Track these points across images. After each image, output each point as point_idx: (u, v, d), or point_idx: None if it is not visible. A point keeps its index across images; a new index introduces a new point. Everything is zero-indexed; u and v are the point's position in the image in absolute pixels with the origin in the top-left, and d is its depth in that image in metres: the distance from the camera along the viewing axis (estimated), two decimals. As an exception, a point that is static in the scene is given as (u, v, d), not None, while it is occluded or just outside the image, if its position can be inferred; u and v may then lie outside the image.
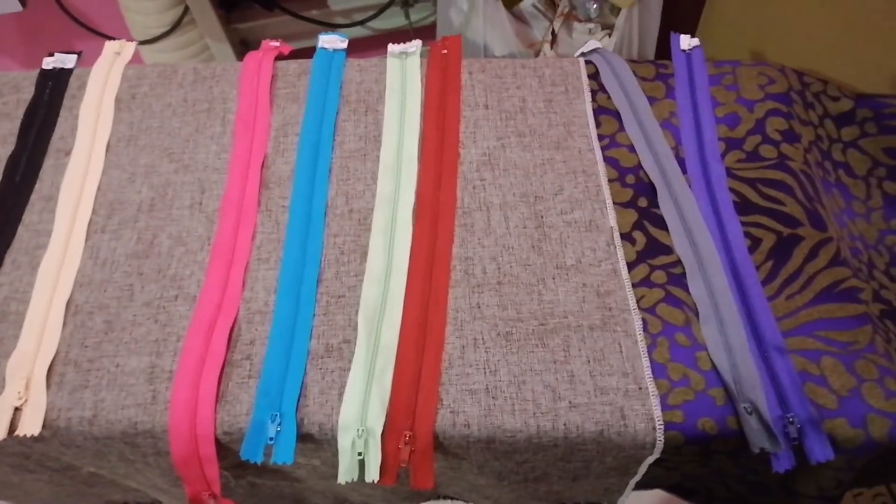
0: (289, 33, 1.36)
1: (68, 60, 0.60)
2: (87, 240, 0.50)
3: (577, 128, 0.54)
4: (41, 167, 0.53)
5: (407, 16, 1.35)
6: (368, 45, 1.48)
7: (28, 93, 0.58)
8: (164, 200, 0.51)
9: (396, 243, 0.48)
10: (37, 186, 0.53)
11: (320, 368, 0.43)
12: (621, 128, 0.54)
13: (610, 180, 0.51)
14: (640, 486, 0.48)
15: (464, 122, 0.54)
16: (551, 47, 1.14)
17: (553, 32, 1.10)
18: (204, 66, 0.58)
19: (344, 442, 0.41)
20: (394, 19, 1.36)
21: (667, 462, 0.43)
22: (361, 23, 1.30)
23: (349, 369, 0.43)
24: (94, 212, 0.51)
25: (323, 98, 0.56)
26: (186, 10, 1.26)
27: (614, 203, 0.50)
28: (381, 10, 1.27)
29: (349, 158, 0.53)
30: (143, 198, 0.51)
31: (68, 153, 0.54)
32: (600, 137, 0.54)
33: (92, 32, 1.19)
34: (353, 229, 0.49)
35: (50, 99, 0.57)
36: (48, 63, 0.60)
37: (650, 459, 0.42)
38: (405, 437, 0.40)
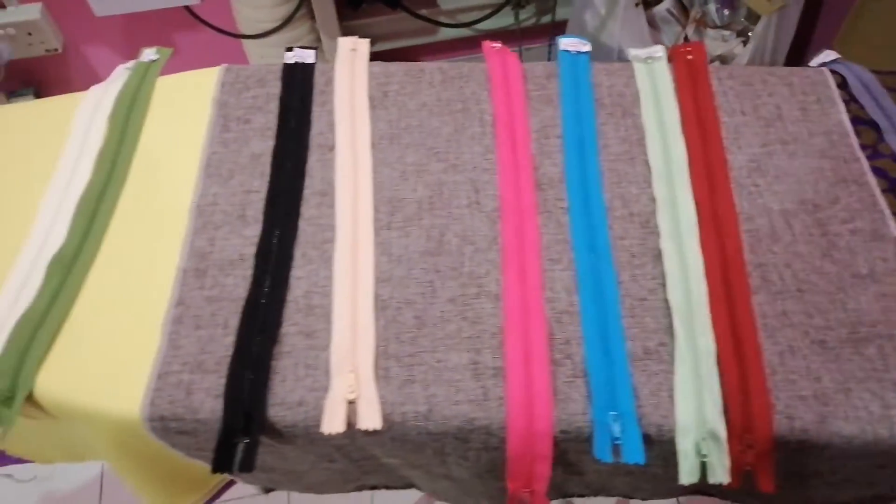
0: (396, 31, 1.38)
1: (308, 56, 0.61)
2: (375, 236, 0.51)
3: (838, 137, 0.55)
4: (306, 162, 0.55)
5: (516, 17, 1.37)
6: (468, 45, 1.50)
7: (274, 87, 0.59)
8: (441, 199, 0.53)
9: (686, 247, 0.49)
10: (307, 182, 0.54)
11: (644, 371, 0.45)
12: (881, 138, 0.56)
13: (882, 191, 0.53)
14: None
15: (724, 127, 0.56)
16: (685, 53, 1.15)
17: (686, 38, 1.12)
18: (449, 65, 0.60)
19: (684, 444, 0.42)
20: (501, 19, 1.38)
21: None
22: (475, 23, 1.32)
23: (671, 372, 0.44)
24: (375, 209, 0.52)
25: (576, 100, 0.57)
26: (300, 5, 1.27)
27: (893, 213, 0.51)
28: (496, 10, 1.29)
29: (616, 161, 0.54)
30: (420, 196, 0.53)
31: (331, 149, 0.55)
32: (862, 147, 0.55)
33: (200, 21, 1.20)
34: (637, 232, 0.51)
35: (301, 94, 0.58)
36: (289, 58, 0.61)
37: None
38: (747, 440, 0.42)
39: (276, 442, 0.45)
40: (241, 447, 0.43)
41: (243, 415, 0.43)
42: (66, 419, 0.47)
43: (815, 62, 0.62)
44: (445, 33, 1.37)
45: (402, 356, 0.46)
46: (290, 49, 0.61)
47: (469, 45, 1.50)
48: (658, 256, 0.50)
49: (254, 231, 0.51)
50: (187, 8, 1.21)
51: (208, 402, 0.44)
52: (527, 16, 1.44)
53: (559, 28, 1.42)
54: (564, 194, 0.53)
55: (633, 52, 0.60)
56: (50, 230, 0.52)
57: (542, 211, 0.52)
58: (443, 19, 1.39)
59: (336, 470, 0.51)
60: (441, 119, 0.57)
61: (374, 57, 0.60)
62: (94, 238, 0.51)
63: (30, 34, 1.28)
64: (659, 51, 0.60)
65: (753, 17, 1.12)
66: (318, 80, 0.59)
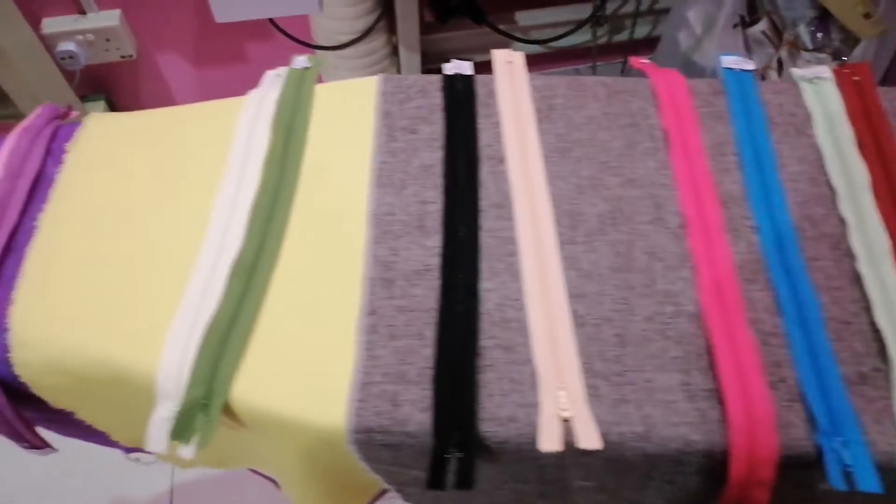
0: (471, 46, 1.39)
1: (466, 67, 0.61)
2: (560, 250, 0.50)
3: None
4: (478, 173, 0.54)
5: (594, 34, 1.37)
6: (541, 61, 1.50)
7: (435, 97, 0.59)
8: (623, 214, 0.52)
9: (884, 274, 0.48)
10: (482, 193, 0.53)
11: (862, 396, 0.44)
12: None
13: None
14: None
15: (903, 151, 0.55)
16: (779, 75, 1.15)
17: (779, 60, 1.12)
18: (611, 80, 0.60)
19: (918, 473, 0.41)
20: (578, 36, 1.38)
21: None
22: (555, 39, 1.32)
23: (889, 398, 0.43)
24: (556, 222, 0.51)
25: (748, 118, 0.57)
26: (379, 18, 1.28)
27: None
28: (578, 27, 1.29)
29: (795, 181, 0.54)
30: (600, 210, 0.52)
31: (502, 161, 0.55)
32: None
33: (280, 32, 1.20)
34: (829, 254, 0.50)
35: (465, 106, 0.58)
36: (449, 69, 0.61)
37: None
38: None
39: (481, 458, 0.44)
40: (453, 463, 0.42)
41: (456, 429, 0.42)
42: (258, 427, 0.46)
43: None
44: (517, 48, 1.37)
45: (609, 375, 0.45)
46: (447, 60, 0.61)
47: (542, 62, 1.50)
48: (855, 279, 0.49)
49: (434, 242, 0.51)
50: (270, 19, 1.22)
51: (416, 414, 0.43)
52: (601, 33, 1.44)
53: (635, 46, 1.42)
54: (749, 212, 0.52)
55: (796, 72, 0.60)
56: (225, 234, 0.51)
57: (729, 229, 0.51)
58: (517, 34, 1.40)
59: (521, 491, 0.50)
60: (610, 133, 0.56)
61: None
62: (272, 243, 0.51)
63: (107, 40, 1.29)
64: (825, 71, 0.60)
65: (850, 40, 1.11)
66: (480, 91, 0.59)
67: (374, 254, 0.50)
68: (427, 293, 0.49)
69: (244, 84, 1.49)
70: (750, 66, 0.60)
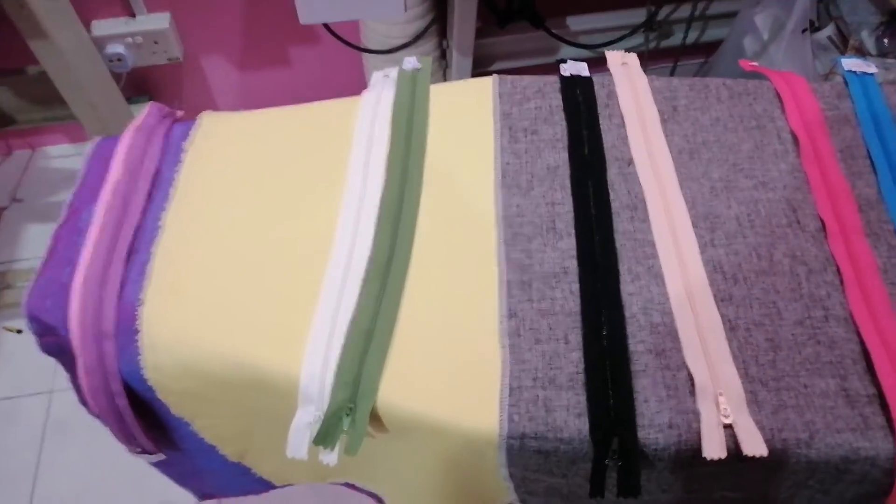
0: (520, 51, 1.39)
1: (582, 68, 0.61)
2: (701, 253, 0.50)
3: None
4: (607, 175, 0.54)
5: (647, 40, 1.38)
6: (594, 64, 1.51)
7: (553, 98, 0.59)
8: (760, 217, 0.52)
9: None
10: (612, 195, 0.53)
11: None
12: None
13: None
14: None
15: None
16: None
17: (848, 65, 1.11)
18: (732, 81, 0.60)
19: None
20: (629, 41, 1.39)
21: None
22: (609, 44, 1.32)
23: None
24: (693, 225, 0.51)
25: (876, 121, 0.57)
26: (432, 22, 1.29)
27: None
28: (633, 31, 1.30)
29: (930, 185, 0.54)
30: (737, 213, 0.52)
31: (629, 162, 0.55)
32: None
33: (333, 35, 1.20)
34: (974, 259, 0.50)
35: (587, 107, 0.58)
36: (565, 70, 0.61)
37: None
38: None
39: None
40: (613, 470, 0.42)
41: (615, 436, 0.42)
42: (401, 433, 0.46)
43: None
44: (564, 53, 1.38)
45: (766, 380, 0.45)
46: (562, 61, 0.61)
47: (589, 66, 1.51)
48: None
49: (568, 244, 0.51)
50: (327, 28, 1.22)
51: (571, 420, 0.43)
52: (652, 38, 1.45)
53: (685, 51, 1.43)
54: (887, 216, 0.52)
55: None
56: (355, 235, 0.51)
57: (868, 233, 0.51)
58: (569, 38, 1.40)
59: (658, 502, 0.49)
60: (737, 135, 0.56)
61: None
62: (403, 244, 0.51)
63: (156, 42, 1.30)
64: (949, 73, 0.60)
65: (923, 46, 1.11)
66: (599, 92, 0.59)
67: (507, 256, 0.50)
68: (567, 296, 0.48)
69: (289, 88, 1.50)
70: (872, 69, 0.61)
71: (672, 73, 1.52)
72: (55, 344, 0.50)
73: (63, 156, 1.56)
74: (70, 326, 0.48)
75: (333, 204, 0.53)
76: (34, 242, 1.44)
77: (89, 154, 0.56)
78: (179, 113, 0.61)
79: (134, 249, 0.52)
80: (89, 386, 0.49)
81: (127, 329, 0.48)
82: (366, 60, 1.34)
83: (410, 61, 0.63)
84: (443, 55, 1.42)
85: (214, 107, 1.52)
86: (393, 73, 0.62)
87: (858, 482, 0.44)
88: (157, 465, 0.60)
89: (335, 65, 1.50)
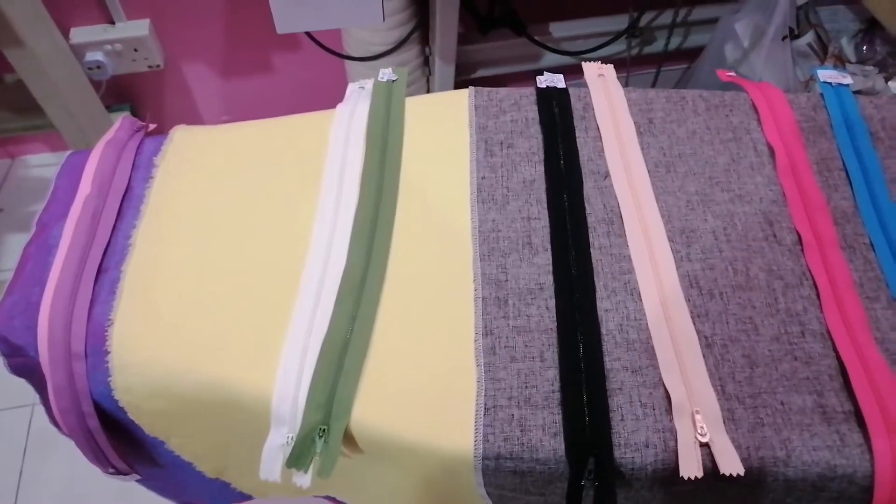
0: (502, 58, 1.39)
1: (558, 80, 0.61)
2: (677, 267, 0.49)
3: None
4: (583, 189, 0.54)
5: (629, 46, 1.38)
6: (575, 71, 1.51)
7: (529, 111, 0.59)
8: (736, 231, 0.52)
9: None
10: (588, 210, 0.53)
11: None
12: None
13: None
14: None
15: None
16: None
17: (828, 72, 1.12)
18: (708, 93, 0.60)
19: None
20: (611, 48, 1.39)
21: None
22: (592, 51, 1.32)
23: None
24: (669, 239, 0.51)
25: (851, 133, 0.57)
26: (414, 29, 1.28)
27: None
28: (615, 38, 1.30)
29: (906, 197, 0.54)
30: (713, 226, 0.52)
31: (605, 176, 0.54)
32: None
33: (315, 43, 1.19)
34: (949, 272, 0.50)
35: (563, 119, 0.58)
36: (541, 82, 0.60)
37: None
38: None
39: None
40: (590, 490, 0.41)
41: (591, 456, 0.42)
42: (375, 454, 0.46)
43: None
44: (547, 60, 1.38)
45: (743, 397, 0.44)
46: (540, 73, 0.61)
47: (573, 72, 1.50)
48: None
49: (544, 259, 0.50)
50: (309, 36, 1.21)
51: (547, 440, 0.43)
52: (635, 44, 1.45)
53: (667, 57, 1.43)
54: (863, 229, 0.52)
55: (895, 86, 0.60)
56: (329, 250, 0.50)
57: (844, 246, 0.51)
58: (551, 45, 1.40)
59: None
60: (714, 148, 0.56)
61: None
62: (377, 261, 0.50)
63: (136, 50, 1.29)
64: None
65: (900, 54, 1.12)
66: (575, 104, 0.59)
67: (482, 271, 0.50)
68: (543, 313, 0.48)
69: (271, 95, 1.49)
70: (847, 80, 0.60)
71: (655, 79, 1.52)
72: (24, 365, 0.49)
73: (43, 164, 1.54)
74: (39, 347, 0.47)
75: (307, 220, 0.52)
76: (15, 252, 1.42)
77: (59, 169, 0.55)
78: (152, 126, 0.60)
79: (103, 268, 0.51)
80: (59, 407, 0.48)
81: (97, 349, 0.47)
82: (348, 67, 1.34)
83: (386, 72, 0.62)
84: (425, 62, 1.41)
85: (196, 113, 1.51)
86: (368, 84, 0.61)
87: (836, 499, 0.44)
88: (137, 480, 0.59)
89: (318, 71, 1.49)
